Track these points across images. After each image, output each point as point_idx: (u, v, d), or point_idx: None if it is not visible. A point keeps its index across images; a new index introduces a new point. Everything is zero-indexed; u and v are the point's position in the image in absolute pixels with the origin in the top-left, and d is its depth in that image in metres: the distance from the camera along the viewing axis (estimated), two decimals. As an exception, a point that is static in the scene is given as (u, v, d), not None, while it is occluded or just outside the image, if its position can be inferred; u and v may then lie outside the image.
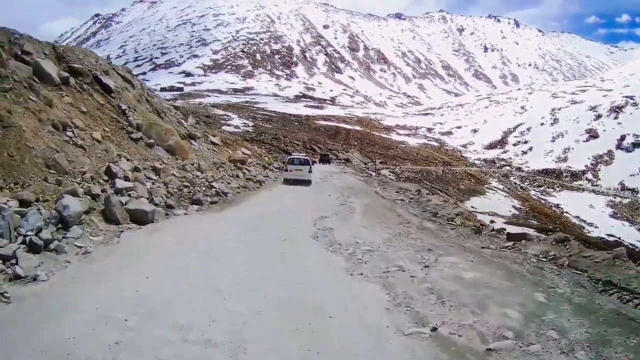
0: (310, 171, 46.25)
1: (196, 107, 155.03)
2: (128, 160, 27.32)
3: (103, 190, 21.48)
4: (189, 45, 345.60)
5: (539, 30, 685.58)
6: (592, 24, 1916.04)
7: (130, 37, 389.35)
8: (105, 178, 23.37)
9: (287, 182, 44.25)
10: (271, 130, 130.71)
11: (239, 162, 46.45)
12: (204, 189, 29.89)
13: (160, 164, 30.39)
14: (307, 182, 44.74)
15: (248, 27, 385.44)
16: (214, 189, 30.44)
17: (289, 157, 52.78)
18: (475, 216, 34.89)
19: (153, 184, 26.40)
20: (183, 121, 49.58)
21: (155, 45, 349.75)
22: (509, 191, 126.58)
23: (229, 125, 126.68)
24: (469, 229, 24.96)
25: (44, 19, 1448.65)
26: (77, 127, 25.98)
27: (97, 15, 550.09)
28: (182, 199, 26.30)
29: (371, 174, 76.59)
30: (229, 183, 35.03)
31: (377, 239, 20.73)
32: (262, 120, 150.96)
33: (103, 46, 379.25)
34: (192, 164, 35.42)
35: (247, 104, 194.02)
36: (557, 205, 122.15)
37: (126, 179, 24.09)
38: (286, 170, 46.35)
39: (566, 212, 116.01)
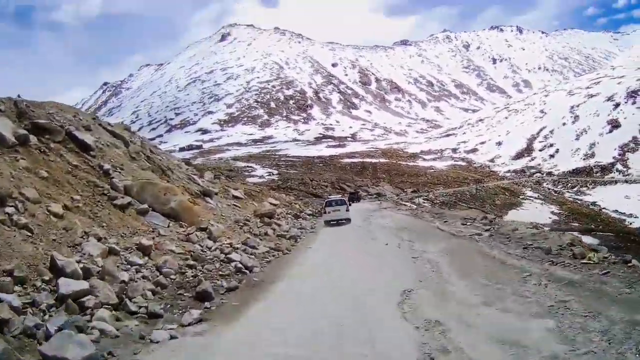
0: (347, 210, 47.93)
1: (217, 162, 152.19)
2: (100, 239, 19.03)
3: (29, 305, 13.03)
4: (201, 102, 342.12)
5: (542, 32, 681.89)
6: (591, 16, 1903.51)
7: (141, 101, 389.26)
8: (48, 277, 14.70)
9: (328, 223, 46.44)
10: (297, 176, 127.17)
11: (266, 216, 39.94)
12: (217, 265, 21.51)
13: (151, 239, 21.80)
14: (347, 220, 46.28)
15: (258, 77, 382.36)
16: (232, 264, 22.01)
17: (326, 200, 54.05)
18: (581, 240, 28.59)
19: (137, 272, 17.67)
20: (197, 177, 43.71)
21: (167, 106, 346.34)
22: (544, 198, 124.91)
23: (253, 176, 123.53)
24: (624, 269, 16.58)
25: (51, 93, 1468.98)
26: (27, 200, 18.67)
27: (105, 83, 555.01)
28: (182, 291, 17.20)
29: (407, 205, 73.70)
30: (254, 248, 26.87)
31: (545, 339, 11.13)
32: (285, 166, 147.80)
33: (115, 114, 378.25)
34: (204, 230, 27.37)
35: (268, 153, 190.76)
36: (594, 203, 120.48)
37: (86, 273, 15.25)
38: (325, 212, 48.34)
39: (604, 209, 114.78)
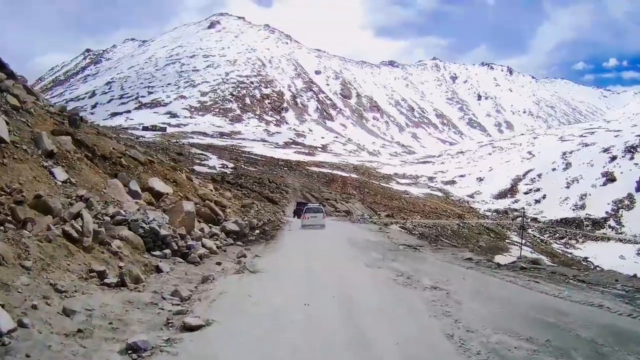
0: (323, 217, 49.60)
1: (169, 144, 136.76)
2: None
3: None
4: (176, 85, 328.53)
5: (532, 77, 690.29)
6: (580, 70, 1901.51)
7: (117, 74, 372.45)
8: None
9: (305, 227, 45.79)
10: (255, 174, 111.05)
11: None
12: None
13: None
14: (321, 226, 46.37)
15: (238, 70, 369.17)
16: None
17: (306, 207, 54.39)
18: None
19: None
20: None
21: (142, 83, 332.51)
22: (532, 246, 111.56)
23: (203, 165, 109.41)
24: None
25: (34, 54, 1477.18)
26: None
27: (88, 50, 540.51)
28: None
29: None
30: None
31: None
32: (245, 162, 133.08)
33: (90, 81, 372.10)
34: None
35: (231, 147, 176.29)
36: (586, 259, 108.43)
37: None
38: (305, 218, 48.75)
39: (598, 266, 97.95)
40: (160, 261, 18.60)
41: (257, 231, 35.04)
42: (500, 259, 77.12)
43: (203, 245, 23.32)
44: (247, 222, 35.06)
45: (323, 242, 34.85)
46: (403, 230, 69.20)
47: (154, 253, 19.22)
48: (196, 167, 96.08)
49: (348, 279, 19.09)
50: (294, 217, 68.41)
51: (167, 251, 20.00)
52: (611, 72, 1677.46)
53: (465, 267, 24.65)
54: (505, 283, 19.89)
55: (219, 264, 21.01)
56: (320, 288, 17.02)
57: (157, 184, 30.11)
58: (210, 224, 29.43)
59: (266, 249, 28.01)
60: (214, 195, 41.65)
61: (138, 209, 22.88)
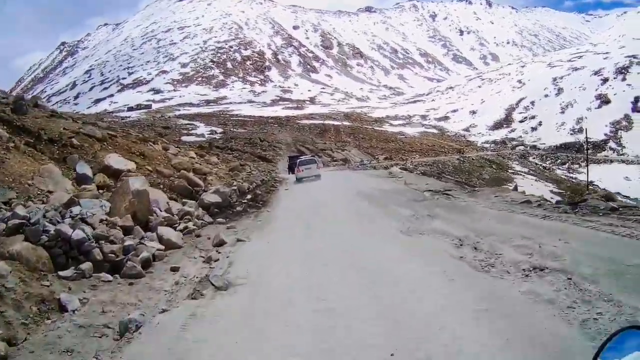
0: (317, 167, 49.86)
1: (154, 119, 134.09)
2: None
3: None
4: (156, 61, 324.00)
5: (512, 8, 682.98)
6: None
7: (95, 60, 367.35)
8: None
9: (300, 180, 45.93)
10: (245, 135, 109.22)
11: None
12: None
13: None
14: (316, 177, 46.57)
15: (216, 37, 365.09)
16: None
17: (299, 160, 53.75)
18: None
19: None
20: None
21: (121, 65, 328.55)
22: (537, 174, 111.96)
23: (191, 134, 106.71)
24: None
25: (16, 54, 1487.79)
26: None
27: (63, 43, 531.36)
28: None
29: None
30: None
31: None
32: (234, 125, 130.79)
33: (69, 73, 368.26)
34: None
35: (219, 112, 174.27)
36: (592, 183, 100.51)
37: None
38: (299, 171, 48.71)
39: (605, 189, 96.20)
40: (69, 288, 10.97)
41: (249, 196, 29.49)
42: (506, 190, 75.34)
43: (160, 238, 16.08)
44: (234, 188, 30.12)
45: (329, 200, 27.76)
46: (403, 170, 66.06)
47: (61, 274, 11.52)
48: (184, 138, 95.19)
49: (389, 278, 11.04)
50: (288, 172, 65.78)
51: (86, 265, 12.15)
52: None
53: (538, 217, 17.47)
54: (631, 242, 12.54)
55: (175, 270, 13.40)
56: (348, 323, 8.53)
57: (114, 161, 24.46)
58: (186, 199, 24.62)
59: (256, 222, 21.41)
60: (195, 162, 36.20)
61: (68, 200, 16.01)
